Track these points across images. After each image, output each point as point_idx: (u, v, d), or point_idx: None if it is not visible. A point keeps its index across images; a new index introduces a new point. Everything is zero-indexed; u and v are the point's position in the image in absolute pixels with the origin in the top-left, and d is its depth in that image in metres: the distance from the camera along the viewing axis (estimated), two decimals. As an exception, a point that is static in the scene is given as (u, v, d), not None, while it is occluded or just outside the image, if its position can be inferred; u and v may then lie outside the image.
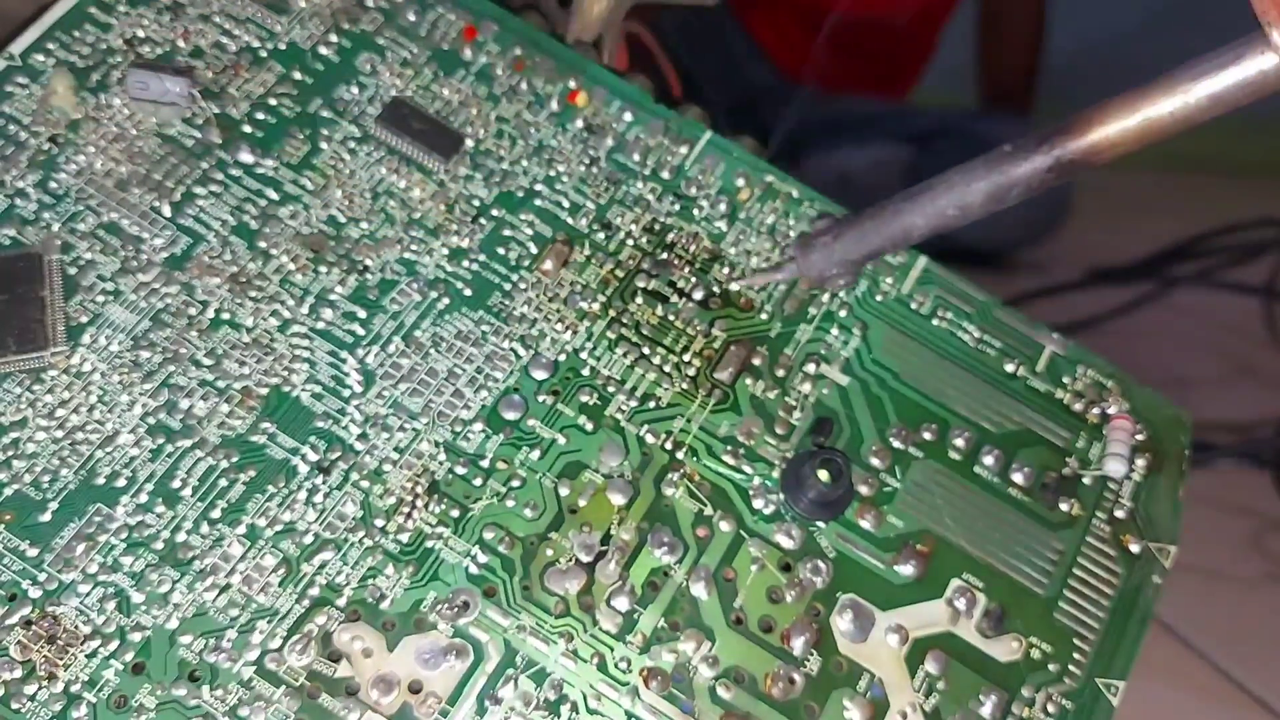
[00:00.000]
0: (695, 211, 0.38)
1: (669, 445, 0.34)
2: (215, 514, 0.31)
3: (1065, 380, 0.37)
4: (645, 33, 0.49)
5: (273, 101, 0.37)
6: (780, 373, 0.35)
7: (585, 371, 0.34)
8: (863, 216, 0.34)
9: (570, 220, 0.37)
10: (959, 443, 0.35)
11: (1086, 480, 0.36)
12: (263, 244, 0.34)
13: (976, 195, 0.31)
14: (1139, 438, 0.36)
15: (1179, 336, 0.78)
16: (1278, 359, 0.74)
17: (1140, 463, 0.36)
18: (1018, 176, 0.30)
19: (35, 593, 0.29)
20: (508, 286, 0.35)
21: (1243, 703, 0.50)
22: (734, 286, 0.36)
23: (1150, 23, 1.07)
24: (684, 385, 0.35)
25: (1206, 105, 0.27)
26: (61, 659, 0.29)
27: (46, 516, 0.30)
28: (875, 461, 0.35)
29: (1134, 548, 0.35)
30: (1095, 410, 0.37)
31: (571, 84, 0.39)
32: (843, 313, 0.37)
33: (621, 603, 0.31)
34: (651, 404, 0.34)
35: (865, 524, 0.34)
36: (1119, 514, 0.35)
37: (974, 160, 0.31)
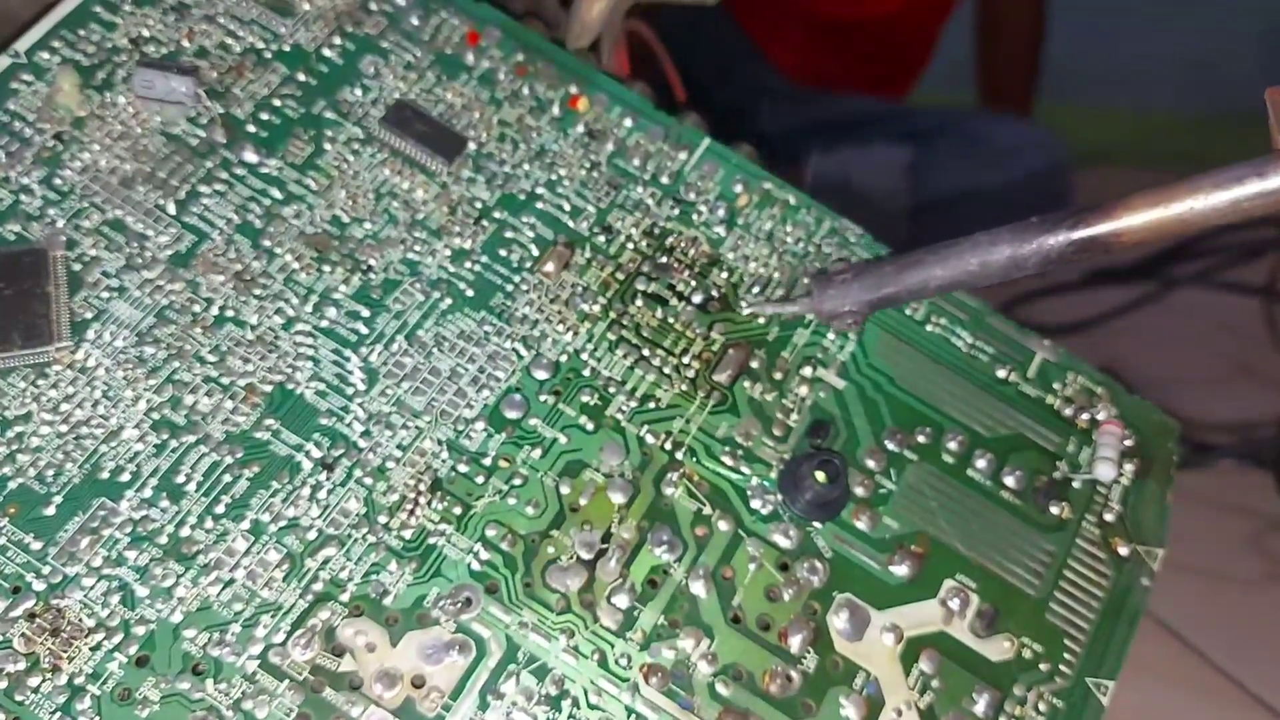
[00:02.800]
0: (694, 216, 0.38)
1: (668, 445, 0.34)
2: (219, 509, 0.31)
3: (1056, 386, 0.38)
4: (647, 31, 0.49)
5: (277, 102, 0.37)
6: (778, 375, 0.36)
7: (586, 372, 0.35)
8: (884, 262, 0.34)
9: (571, 223, 0.37)
10: (952, 446, 0.36)
11: (1076, 484, 0.36)
12: (267, 243, 0.35)
13: (999, 257, 0.32)
14: (1128, 443, 0.37)
15: (1179, 336, 0.79)
16: (1278, 359, 0.74)
17: (1129, 467, 0.37)
18: (1041, 247, 0.31)
19: (39, 586, 0.29)
20: (510, 288, 0.36)
21: (1242, 702, 0.50)
22: (745, 310, 0.37)
23: (1149, 23, 1.08)
24: (683, 387, 0.35)
25: (1226, 210, 0.29)
26: (65, 652, 0.29)
27: (51, 510, 0.30)
28: (871, 464, 0.35)
29: (1123, 550, 0.36)
30: (1085, 416, 0.38)
31: (573, 89, 0.39)
32: (839, 317, 0.37)
33: (622, 600, 0.32)
34: (651, 405, 0.35)
35: (861, 525, 0.34)
36: (1108, 517, 0.36)
37: (1002, 227, 0.32)
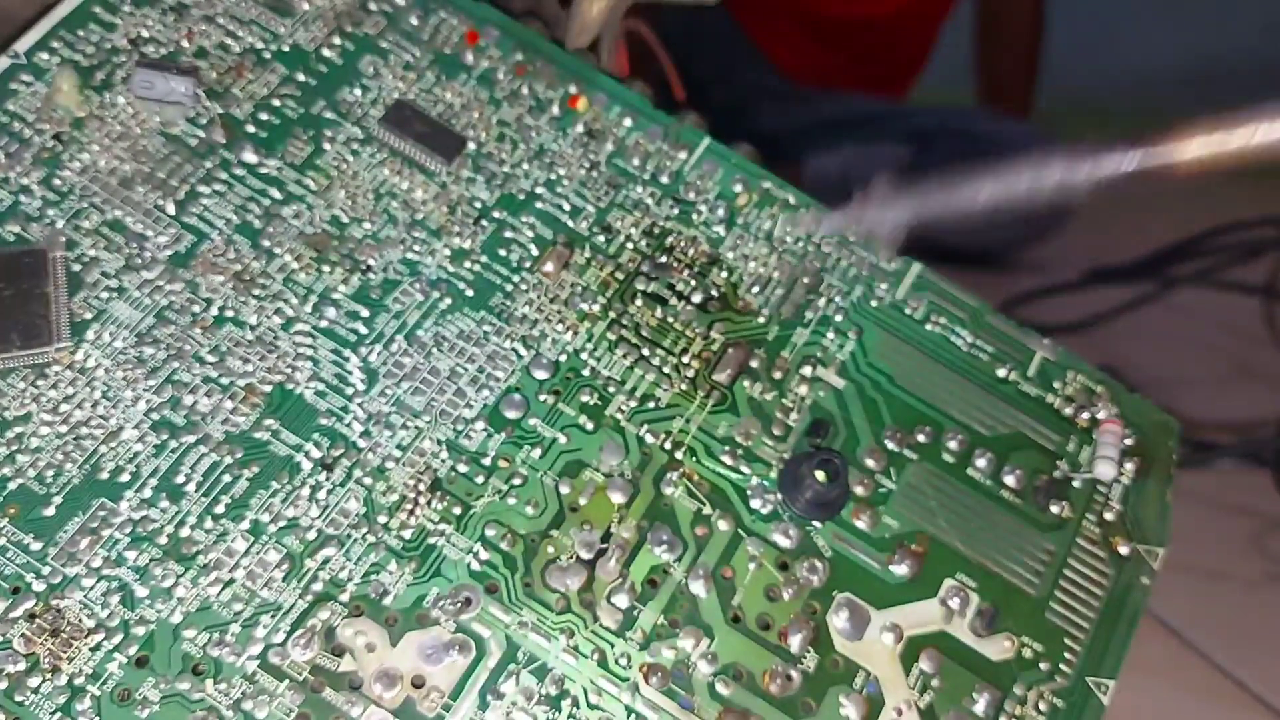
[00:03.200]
0: (694, 216, 0.38)
1: (668, 445, 0.34)
2: (219, 509, 0.31)
3: (1055, 385, 0.38)
4: (646, 30, 0.49)
5: (276, 102, 0.37)
6: (777, 375, 0.36)
7: (586, 372, 0.35)
8: (932, 176, 0.34)
9: (571, 223, 0.37)
10: (952, 445, 0.36)
11: (1076, 483, 0.36)
12: (266, 243, 0.35)
13: (1049, 180, 0.32)
14: (1128, 442, 0.37)
15: (1179, 336, 0.79)
16: (1278, 359, 0.74)
17: (1129, 466, 0.37)
18: (1094, 172, 0.31)
19: (39, 586, 0.29)
20: (509, 288, 0.36)
21: (1243, 702, 0.50)
22: (776, 231, 0.37)
23: (1149, 23, 1.09)
24: (683, 386, 0.35)
25: None
26: (65, 652, 0.29)
27: (50, 511, 0.30)
28: (870, 463, 0.35)
29: (1123, 549, 0.35)
30: (1085, 415, 0.38)
31: (572, 89, 0.39)
32: (838, 317, 0.37)
33: (622, 600, 0.32)
34: (651, 404, 0.35)
35: (861, 524, 0.34)
36: (1108, 516, 0.36)
37: (1056, 149, 0.32)
